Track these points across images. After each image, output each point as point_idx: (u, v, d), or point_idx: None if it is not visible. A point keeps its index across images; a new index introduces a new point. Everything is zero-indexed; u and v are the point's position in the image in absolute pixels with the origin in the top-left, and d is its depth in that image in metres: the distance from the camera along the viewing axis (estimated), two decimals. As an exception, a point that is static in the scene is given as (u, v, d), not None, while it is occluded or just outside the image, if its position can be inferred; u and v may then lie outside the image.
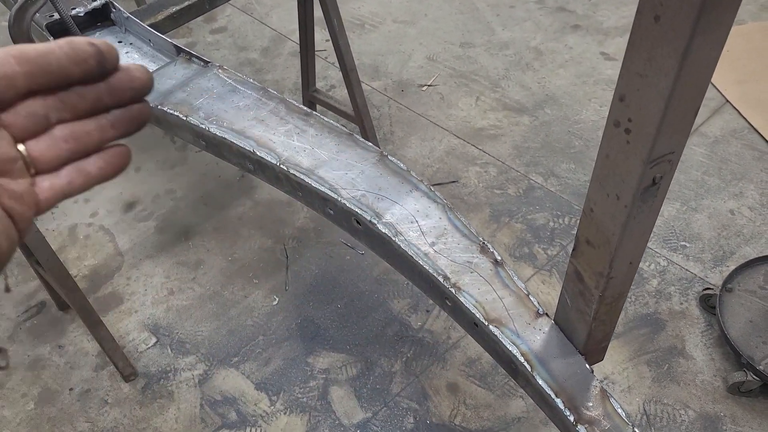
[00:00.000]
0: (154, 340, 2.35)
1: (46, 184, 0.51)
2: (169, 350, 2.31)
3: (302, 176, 1.28)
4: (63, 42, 0.48)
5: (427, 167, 2.89)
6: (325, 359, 2.24)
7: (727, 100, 3.04)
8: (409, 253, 1.12)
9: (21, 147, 0.49)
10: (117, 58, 0.51)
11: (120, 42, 1.81)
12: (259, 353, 2.28)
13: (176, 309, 2.44)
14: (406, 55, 3.52)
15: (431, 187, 1.24)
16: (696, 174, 2.74)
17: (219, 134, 1.40)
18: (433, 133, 3.05)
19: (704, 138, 2.89)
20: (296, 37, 3.74)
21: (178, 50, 1.68)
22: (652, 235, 2.51)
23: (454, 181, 2.81)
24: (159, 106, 1.49)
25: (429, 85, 3.31)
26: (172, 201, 2.85)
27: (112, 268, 2.60)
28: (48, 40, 1.75)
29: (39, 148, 0.50)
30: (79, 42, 0.48)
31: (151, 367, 2.27)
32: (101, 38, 1.83)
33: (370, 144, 1.36)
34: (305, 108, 1.47)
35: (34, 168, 0.50)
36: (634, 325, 2.25)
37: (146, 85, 0.54)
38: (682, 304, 2.30)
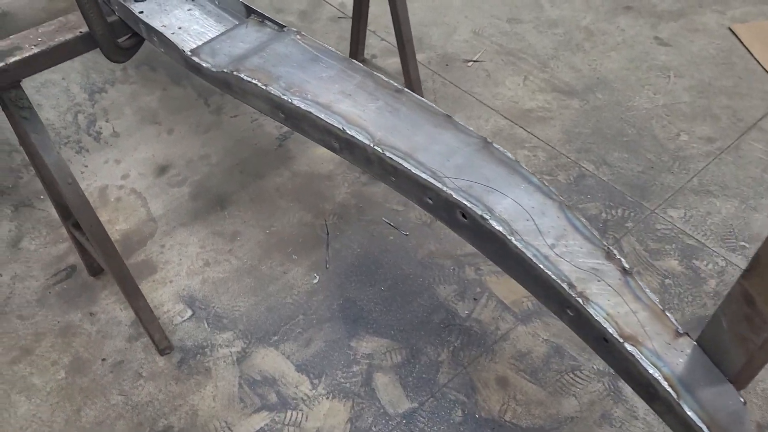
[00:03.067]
0: (189, 312, 2.26)
1: None
2: (206, 324, 2.22)
3: (399, 160, 1.17)
4: None
5: (474, 147, 2.77)
6: (368, 344, 2.16)
7: (788, 96, 2.92)
8: (528, 254, 1.02)
9: None
10: None
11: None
12: (299, 333, 2.19)
13: (212, 281, 2.34)
14: (450, 28, 3.38)
15: (544, 181, 1.13)
16: (755, 171, 2.64)
17: (303, 107, 1.28)
18: (479, 112, 2.93)
19: (764, 133, 2.78)
20: (335, 0, 3.59)
21: (249, 11, 1.56)
22: (709, 233, 2.42)
23: (502, 164, 2.69)
24: (234, 72, 1.37)
25: (474, 61, 3.18)
26: (207, 167, 2.73)
27: (145, 235, 2.49)
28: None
29: None
30: None
31: (186, 341, 2.18)
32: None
33: (471, 128, 1.24)
34: (394, 83, 1.36)
35: None
36: (691, 327, 2.17)
37: None
38: (740, 307, 2.22)
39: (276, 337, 2.18)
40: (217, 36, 1.51)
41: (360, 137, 1.22)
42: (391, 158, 1.18)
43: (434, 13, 3.47)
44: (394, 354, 2.13)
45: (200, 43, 1.52)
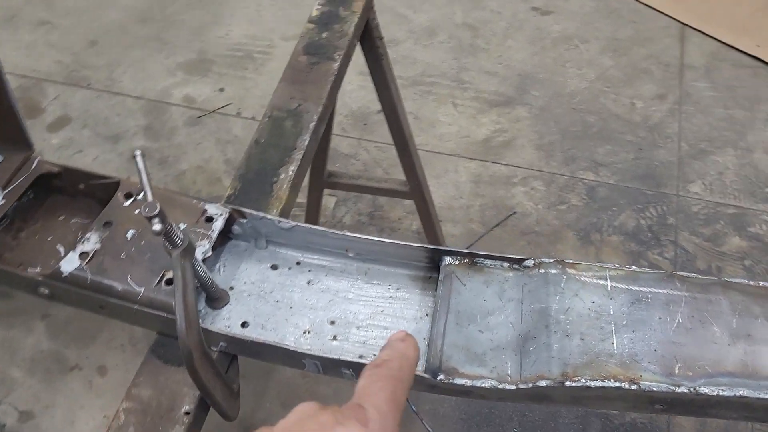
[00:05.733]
0: None
1: None
2: None
3: None
4: None
5: (468, 208, 2.38)
6: None
7: (684, 24, 2.95)
8: None
9: None
10: None
11: (274, 267, 1.02)
12: None
13: None
14: (333, 78, 2.84)
15: None
16: (718, 111, 2.63)
17: (726, 393, 0.82)
18: (441, 165, 2.51)
19: (695, 70, 2.78)
20: (176, 97, 2.82)
21: (434, 253, 0.99)
22: (736, 193, 2.36)
23: (513, 213, 2.35)
24: (573, 382, 0.84)
25: (389, 107, 2.71)
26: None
27: None
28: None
29: None
30: None
31: None
32: (254, 269, 0.97)
33: None
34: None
35: None
36: None
37: None
38: (811, 254, 2.20)
39: None
40: (439, 324, 0.92)
41: None
42: None
43: (302, 68, 2.89)
44: (593, 504, 1.75)
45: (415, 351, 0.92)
